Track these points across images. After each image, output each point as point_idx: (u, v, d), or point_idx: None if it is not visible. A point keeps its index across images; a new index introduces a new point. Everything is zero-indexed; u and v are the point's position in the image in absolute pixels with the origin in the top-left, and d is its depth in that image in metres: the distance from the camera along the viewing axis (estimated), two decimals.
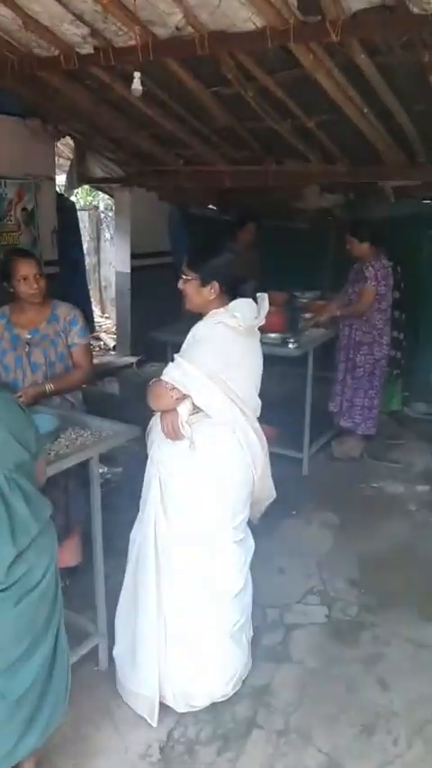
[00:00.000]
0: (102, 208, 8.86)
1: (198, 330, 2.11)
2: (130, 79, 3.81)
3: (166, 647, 2.28)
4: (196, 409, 2.13)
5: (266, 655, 2.68)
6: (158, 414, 2.25)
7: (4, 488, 1.62)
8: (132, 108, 4.72)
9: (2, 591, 1.62)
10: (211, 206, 7.29)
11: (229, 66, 3.77)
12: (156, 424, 2.28)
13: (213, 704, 2.40)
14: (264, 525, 2.63)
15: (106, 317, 8.93)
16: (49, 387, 2.70)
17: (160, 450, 2.25)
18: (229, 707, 2.43)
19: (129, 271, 7.01)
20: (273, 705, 2.46)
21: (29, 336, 2.79)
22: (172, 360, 2.19)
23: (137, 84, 3.52)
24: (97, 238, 8.99)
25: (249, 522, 2.41)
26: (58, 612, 1.83)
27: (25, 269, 2.68)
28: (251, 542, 2.37)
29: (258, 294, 2.21)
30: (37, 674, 1.74)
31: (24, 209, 5.51)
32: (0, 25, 3.91)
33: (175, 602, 2.25)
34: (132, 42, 3.59)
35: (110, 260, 8.32)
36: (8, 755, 1.74)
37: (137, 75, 3.51)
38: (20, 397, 2.48)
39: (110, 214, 8.26)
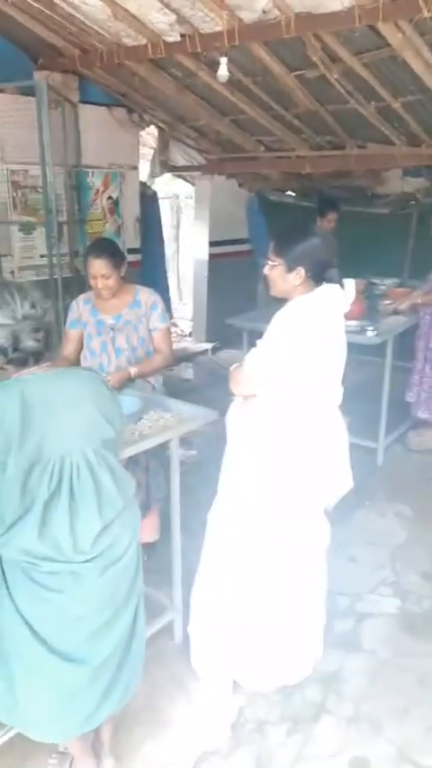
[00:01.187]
0: (182, 196, 8.95)
1: (281, 316, 2.11)
2: (215, 66, 3.85)
3: (240, 627, 2.32)
4: (277, 394, 2.14)
5: (337, 642, 2.69)
6: (238, 398, 2.28)
7: (92, 463, 1.70)
8: (215, 95, 4.75)
9: (88, 561, 1.69)
10: (289, 192, 7.23)
11: (315, 49, 3.72)
12: (235, 408, 2.31)
13: (284, 686, 2.44)
14: (337, 514, 2.62)
15: (183, 304, 9.05)
16: (133, 371, 2.78)
17: (239, 435, 2.28)
18: (299, 690, 2.45)
19: (206, 258, 7.08)
20: (343, 692, 2.47)
21: (113, 322, 2.88)
22: (254, 345, 2.20)
23: (223, 70, 3.54)
24: (177, 226, 9.10)
25: (323, 510, 2.41)
26: (139, 586, 1.90)
27: (94, 269, 2.75)
28: (327, 529, 2.37)
29: (345, 280, 2.18)
30: (117, 644, 1.82)
31: (110, 198, 5.67)
32: (89, 16, 4.02)
33: (250, 584, 2.29)
34: (219, 28, 3.61)
35: (188, 248, 8.41)
36: (89, 718, 1.83)
37: (223, 60, 3.53)
38: (107, 380, 2.58)
39: (189, 202, 8.33)
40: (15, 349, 1.64)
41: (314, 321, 2.08)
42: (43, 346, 1.68)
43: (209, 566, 2.39)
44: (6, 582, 1.71)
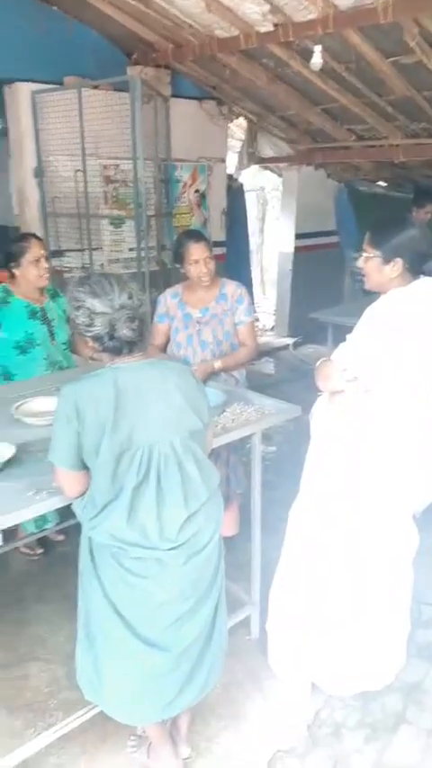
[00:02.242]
0: (268, 188, 8.89)
1: (374, 310, 2.04)
2: (307, 54, 3.78)
3: (319, 629, 2.29)
4: (366, 392, 2.08)
5: (420, 652, 2.59)
6: (324, 394, 2.23)
7: (179, 452, 1.72)
8: (307, 84, 4.67)
9: (173, 549, 1.72)
10: (380, 183, 7.01)
11: (412, 33, 3.57)
12: (321, 404, 2.26)
13: (363, 692, 2.38)
14: (424, 520, 2.52)
15: (266, 298, 9.00)
16: (217, 365, 2.79)
17: (324, 432, 2.23)
18: (378, 697, 2.39)
19: (292, 251, 7.00)
20: (424, 703, 2.38)
21: (199, 315, 2.89)
22: (341, 340, 2.15)
23: (316, 59, 3.47)
24: (262, 219, 9.06)
25: (411, 515, 2.32)
26: (221, 578, 1.91)
27: (197, 253, 2.78)
28: (416, 535, 2.28)
29: None
30: (199, 633, 1.84)
31: (197, 191, 5.71)
32: (183, 10, 4.05)
33: (332, 586, 2.24)
34: (312, 16, 3.54)
35: (273, 240, 8.35)
36: (168, 705, 1.87)
37: (317, 48, 3.46)
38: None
39: (276, 194, 8.26)
40: (111, 337, 1.67)
41: (410, 316, 1.99)
42: (138, 335, 1.70)
43: (289, 565, 2.36)
44: (95, 565, 1.76)
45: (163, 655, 1.77)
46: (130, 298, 1.68)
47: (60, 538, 3.35)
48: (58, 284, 3.13)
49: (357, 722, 2.32)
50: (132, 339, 1.68)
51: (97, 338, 1.68)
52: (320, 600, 2.26)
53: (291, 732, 2.28)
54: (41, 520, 3.09)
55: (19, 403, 2.43)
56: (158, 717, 1.90)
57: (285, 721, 2.32)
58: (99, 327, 1.66)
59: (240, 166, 6.64)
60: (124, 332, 1.66)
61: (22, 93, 4.79)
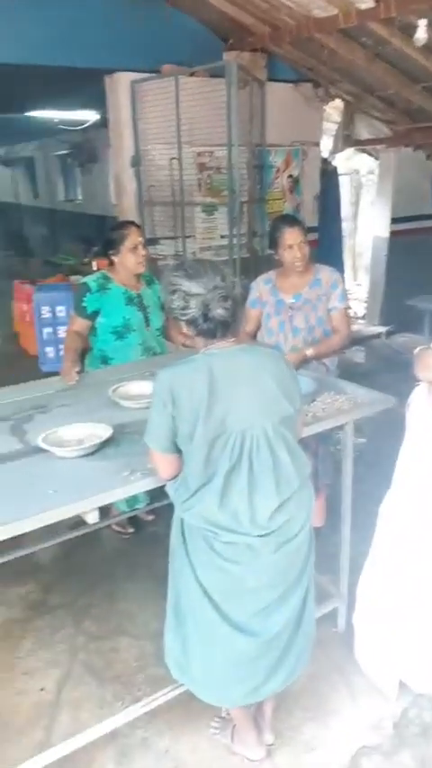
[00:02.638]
0: (363, 172, 8.63)
1: None
2: (410, 30, 3.62)
3: (409, 626, 2.22)
4: None
5: None
6: (423, 384, 2.15)
7: (271, 438, 1.71)
8: (408, 61, 4.47)
9: (264, 536, 1.72)
10: None
11: None
12: (417, 396, 2.18)
13: None
14: None
15: (357, 285, 8.78)
16: (309, 352, 2.75)
17: (420, 425, 2.15)
18: None
19: (387, 236, 6.77)
20: None
21: (292, 301, 2.86)
22: None
23: (420, 33, 3.31)
24: (356, 203, 8.82)
25: None
26: (311, 567, 1.90)
27: (291, 238, 2.74)
28: None
29: None
30: (288, 621, 1.84)
31: (290, 176, 5.63)
32: None
33: (425, 583, 2.17)
34: None
35: (367, 225, 8.11)
36: (254, 691, 1.88)
37: (422, 22, 3.29)
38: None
39: (371, 178, 8.01)
40: (206, 318, 1.68)
41: None
42: (231, 316, 1.70)
43: (379, 560, 2.30)
44: (187, 547, 1.80)
45: (251, 640, 1.79)
46: (224, 279, 1.69)
47: (150, 518, 3.45)
48: (152, 271, 3.19)
49: None
50: (225, 319, 1.68)
51: (192, 321, 1.70)
52: (411, 596, 2.19)
53: (377, 729, 2.23)
54: (133, 500, 3.19)
55: (116, 386, 2.50)
56: (245, 701, 1.92)
57: (371, 717, 2.27)
58: (193, 309, 1.67)
59: (335, 150, 6.48)
60: (218, 311, 1.66)
61: (121, 82, 4.89)
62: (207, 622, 1.79)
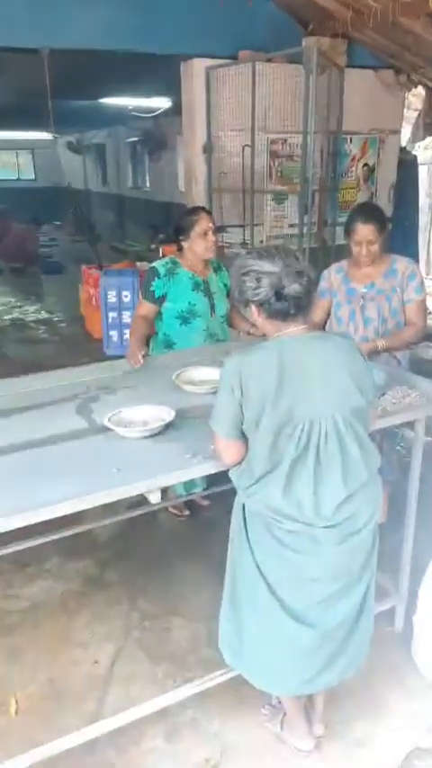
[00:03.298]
0: None
1: None
2: None
3: None
4: None
5: None
6: None
7: (341, 430, 1.67)
8: None
9: (328, 528, 1.69)
10: None
11: None
12: None
13: None
14: None
15: (431, 279, 8.50)
16: (381, 344, 2.68)
17: None
18: None
19: None
20: None
21: (364, 291, 2.79)
22: None
23: None
24: None
25: None
26: (373, 563, 1.86)
27: (362, 234, 2.66)
28: None
29: None
30: (347, 615, 1.81)
31: (366, 164, 5.50)
32: None
33: None
34: None
35: None
36: (308, 682, 1.86)
37: None
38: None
39: None
40: (279, 297, 1.65)
41: None
42: (306, 293, 1.66)
43: None
44: (248, 533, 1.79)
45: (308, 631, 1.76)
46: (297, 259, 1.67)
47: (206, 503, 3.46)
48: (219, 259, 3.18)
49: None
50: (300, 295, 1.64)
51: (264, 302, 1.67)
52: None
53: (431, 732, 2.17)
54: (190, 484, 3.21)
55: (179, 371, 2.52)
56: (298, 691, 1.90)
57: (426, 719, 2.21)
58: (265, 288, 1.65)
59: (415, 138, 6.27)
60: (294, 287, 1.63)
61: (197, 69, 4.88)
62: (264, 609, 1.78)
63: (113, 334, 5.99)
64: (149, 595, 2.83)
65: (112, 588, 2.89)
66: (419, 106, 6.11)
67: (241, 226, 5.20)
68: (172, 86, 5.41)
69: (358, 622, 1.85)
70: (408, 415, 2.20)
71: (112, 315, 5.97)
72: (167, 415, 2.10)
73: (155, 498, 1.79)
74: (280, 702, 2.14)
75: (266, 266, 1.65)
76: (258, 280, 1.66)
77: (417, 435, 2.30)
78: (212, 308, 3.03)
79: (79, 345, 6.65)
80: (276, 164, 5.14)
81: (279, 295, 1.64)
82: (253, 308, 1.72)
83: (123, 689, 2.36)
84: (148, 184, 12.66)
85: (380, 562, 2.52)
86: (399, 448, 3.11)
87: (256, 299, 1.68)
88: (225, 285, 3.08)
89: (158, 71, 5.48)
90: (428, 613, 2.30)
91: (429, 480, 2.60)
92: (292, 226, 5.16)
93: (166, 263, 2.99)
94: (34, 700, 2.31)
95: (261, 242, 5.23)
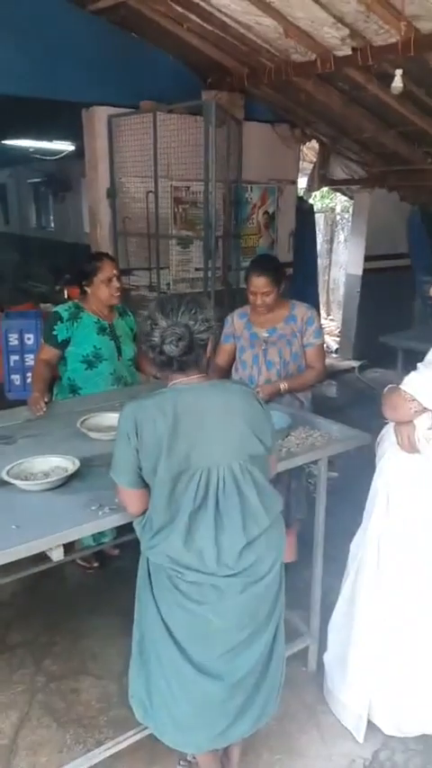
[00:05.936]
0: (338, 210, 8.84)
1: None
2: (385, 78, 3.73)
3: (380, 665, 2.19)
4: None
5: None
6: (392, 423, 2.15)
7: (238, 477, 1.68)
8: (384, 107, 4.62)
9: (230, 576, 1.68)
10: None
11: None
12: (388, 433, 2.18)
13: (426, 735, 2.25)
14: None
15: (331, 320, 8.91)
16: (283, 386, 2.75)
17: (390, 463, 2.15)
18: None
19: (360, 273, 6.91)
20: None
21: (266, 335, 2.87)
22: (413, 368, 2.07)
23: (397, 83, 3.42)
24: (330, 240, 9.00)
25: None
26: (280, 608, 1.86)
27: (255, 285, 2.76)
28: None
29: None
30: (255, 664, 1.79)
31: (266, 212, 5.72)
32: (261, 35, 4.09)
33: (394, 620, 2.14)
34: (393, 40, 3.50)
35: (341, 262, 8.28)
36: (220, 736, 1.81)
37: (399, 72, 3.40)
38: (257, 393, 2.57)
39: (346, 216, 8.20)
40: (161, 352, 1.66)
41: None
42: (182, 354, 1.65)
43: (350, 598, 2.27)
44: (152, 585, 1.75)
45: (216, 683, 1.73)
46: (194, 321, 1.65)
47: (116, 553, 3.37)
48: (125, 301, 3.17)
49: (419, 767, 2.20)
50: (174, 356, 1.65)
51: (152, 348, 1.67)
52: (382, 636, 2.17)
53: None
54: (99, 534, 3.11)
55: (84, 417, 2.46)
56: (210, 746, 1.85)
57: (342, 760, 2.22)
58: (155, 339, 1.65)
59: (311, 188, 6.63)
60: (169, 347, 1.64)
61: (99, 116, 4.94)
62: (171, 663, 1.73)
63: (16, 377, 5.78)
64: (56, 655, 2.69)
65: (16, 650, 2.73)
66: (314, 159, 6.49)
67: (148, 269, 5.25)
68: (74, 131, 5.44)
69: (268, 669, 1.84)
70: (311, 455, 2.25)
71: (14, 358, 5.77)
72: (71, 465, 2.04)
73: (57, 555, 1.72)
74: (195, 758, 2.08)
75: (159, 318, 1.65)
76: (151, 327, 1.66)
77: (320, 474, 2.36)
78: (119, 351, 3.01)
79: None
80: (180, 209, 5.25)
81: (161, 351, 1.65)
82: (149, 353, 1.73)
83: (29, 760, 2.21)
84: (52, 225, 12.53)
85: (293, 600, 2.54)
86: (308, 483, 3.17)
87: (146, 344, 1.69)
88: (131, 329, 3.08)
89: (60, 116, 5.49)
90: (337, 651, 2.33)
91: (337, 515, 2.67)
92: (198, 269, 5.26)
93: (69, 307, 2.95)
94: None
95: (168, 284, 5.29)
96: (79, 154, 5.71)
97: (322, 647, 2.46)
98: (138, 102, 4.88)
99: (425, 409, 1.99)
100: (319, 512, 2.40)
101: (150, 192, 4.94)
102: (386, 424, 2.20)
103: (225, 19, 4.03)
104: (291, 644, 2.45)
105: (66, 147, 8.41)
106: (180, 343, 1.64)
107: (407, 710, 2.21)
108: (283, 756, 2.22)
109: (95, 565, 3.30)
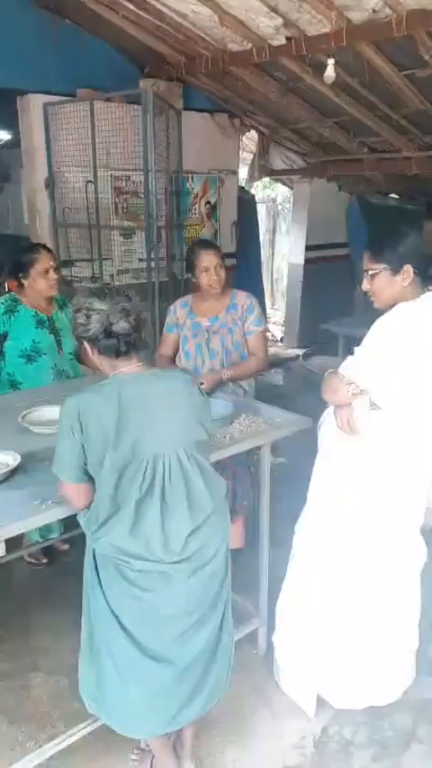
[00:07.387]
0: (279, 200, 8.91)
1: (383, 322, 2.01)
2: (320, 68, 3.79)
3: (326, 642, 2.25)
4: (374, 406, 2.05)
5: (430, 669, 2.54)
6: (332, 407, 2.21)
7: (184, 464, 1.70)
8: (320, 97, 4.69)
9: (177, 563, 1.70)
10: (393, 195, 7.02)
11: (427, 47, 3.58)
12: (328, 416, 2.24)
13: (372, 708, 2.34)
14: None
15: (275, 309, 9.00)
16: (225, 374, 2.77)
17: (332, 445, 2.21)
18: (388, 715, 2.34)
19: (302, 262, 7.01)
20: None
21: (208, 324, 2.89)
22: (351, 353, 2.12)
23: (330, 72, 3.48)
24: (273, 230, 9.08)
25: (420, 529, 2.29)
26: (227, 592, 1.89)
27: (207, 260, 2.78)
28: (423, 549, 2.24)
29: None
30: (204, 647, 1.81)
31: (208, 202, 5.73)
32: (197, 24, 4.08)
33: (338, 600, 2.21)
34: (326, 30, 3.56)
35: (283, 252, 8.37)
36: (172, 719, 1.83)
37: (330, 61, 3.47)
38: (201, 383, 2.58)
39: (287, 206, 8.29)
40: (108, 334, 1.66)
41: (421, 330, 1.96)
42: (134, 331, 1.68)
43: (296, 577, 2.33)
44: (99, 577, 1.75)
45: (167, 668, 1.75)
46: (128, 299, 1.69)
47: (65, 547, 3.34)
48: (68, 293, 3.13)
49: (367, 739, 2.27)
50: (128, 332, 1.66)
51: (93, 339, 1.68)
52: (327, 613, 2.23)
53: (298, 748, 2.24)
54: (46, 529, 3.08)
55: (25, 411, 2.42)
56: (162, 730, 1.87)
57: (293, 737, 2.28)
58: (95, 325, 1.65)
59: (251, 179, 6.67)
60: (121, 324, 1.65)
61: (34, 104, 4.83)
62: (121, 652, 1.74)
63: None
64: (6, 653, 2.65)
65: None
66: (254, 149, 6.53)
67: (90, 260, 5.18)
68: (9, 120, 5.30)
69: (217, 652, 1.87)
70: (254, 441, 2.29)
71: None
72: (12, 460, 2.01)
73: (0, 551, 1.69)
74: (148, 745, 2.09)
75: (96, 304, 1.66)
76: (88, 317, 1.66)
77: (263, 459, 2.40)
78: (59, 344, 2.96)
79: None
80: (121, 199, 5.19)
81: (107, 332, 1.66)
82: (86, 345, 1.72)
83: None
84: None
85: (241, 585, 2.58)
86: (253, 470, 3.21)
87: (86, 335, 1.69)
88: (71, 321, 3.04)
89: None
90: (285, 630, 2.39)
91: (284, 500, 2.71)
92: (141, 260, 5.22)
93: (6, 300, 2.89)
94: None
95: (111, 276, 5.23)
96: (17, 143, 5.57)
97: (271, 629, 2.51)
98: (75, 90, 4.80)
99: (362, 391, 2.05)
100: (264, 496, 2.44)
101: (90, 181, 4.87)
102: (326, 407, 2.25)
103: (160, 7, 4.00)
104: (240, 627, 2.50)
105: (2, 135, 8.17)
106: (130, 318, 1.65)
107: (354, 684, 2.29)
108: (234, 737, 2.26)
109: (44, 561, 3.26)
